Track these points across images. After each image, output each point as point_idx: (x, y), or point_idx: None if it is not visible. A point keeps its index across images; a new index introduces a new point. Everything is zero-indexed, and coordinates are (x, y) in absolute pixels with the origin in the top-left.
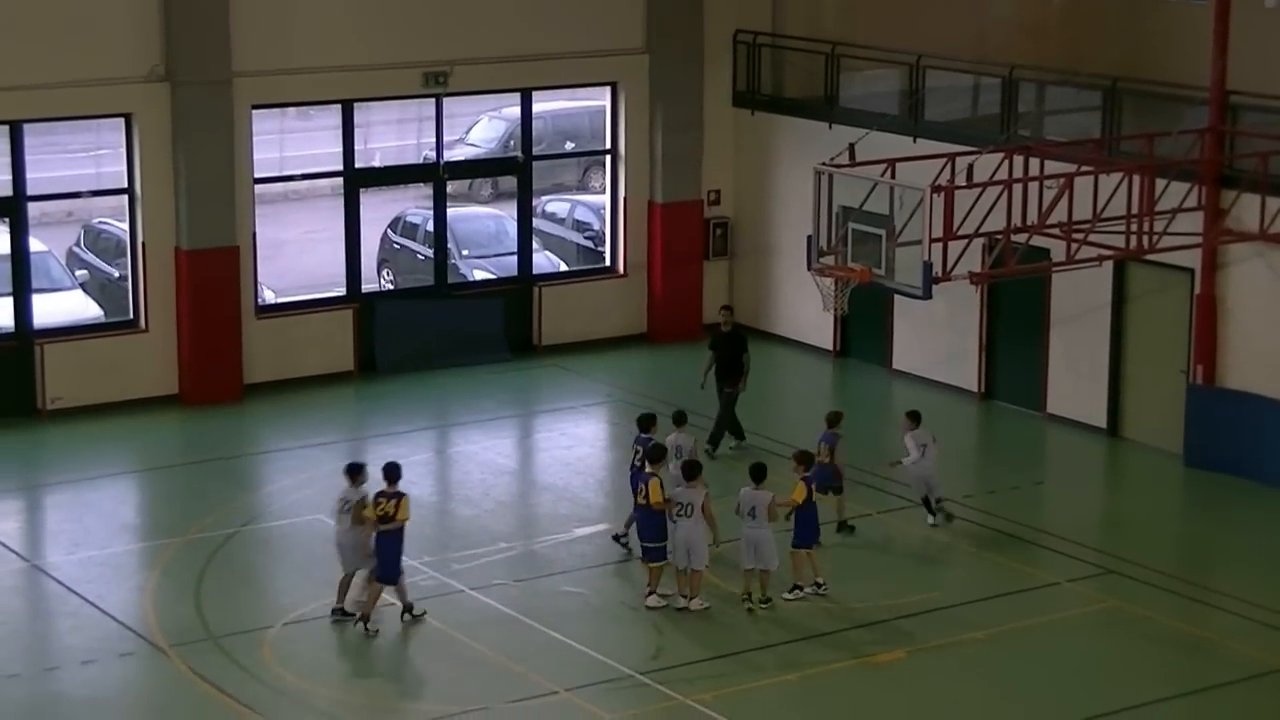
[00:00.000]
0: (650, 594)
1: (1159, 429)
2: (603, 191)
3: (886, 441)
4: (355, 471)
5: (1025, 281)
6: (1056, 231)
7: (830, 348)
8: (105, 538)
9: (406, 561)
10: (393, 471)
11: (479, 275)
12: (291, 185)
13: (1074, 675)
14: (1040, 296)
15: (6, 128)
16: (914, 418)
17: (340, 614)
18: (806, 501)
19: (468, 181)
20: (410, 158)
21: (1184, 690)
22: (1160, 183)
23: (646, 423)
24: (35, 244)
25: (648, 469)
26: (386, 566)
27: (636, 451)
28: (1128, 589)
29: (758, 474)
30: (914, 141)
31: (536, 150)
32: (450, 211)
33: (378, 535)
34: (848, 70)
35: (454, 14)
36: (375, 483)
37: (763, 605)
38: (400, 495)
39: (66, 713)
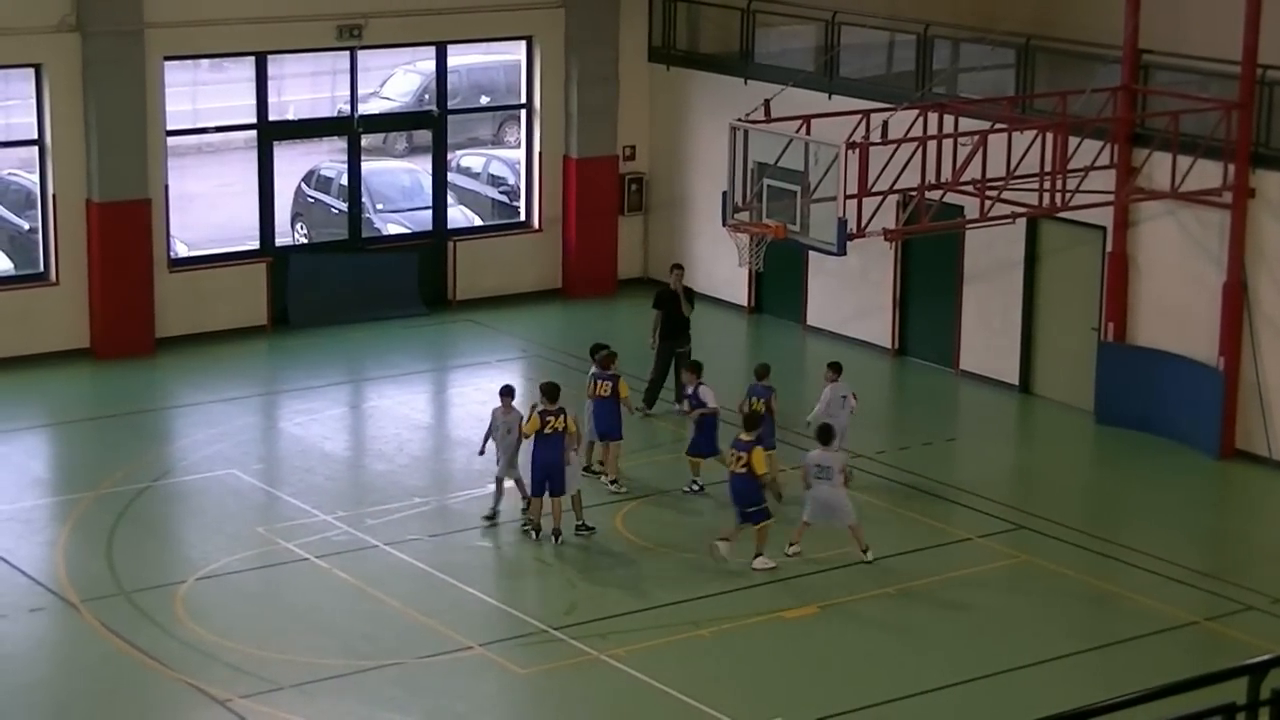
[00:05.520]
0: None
1: (1070, 386)
2: (518, 146)
3: (802, 398)
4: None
5: (939, 238)
6: (970, 189)
7: (745, 304)
8: (16, 492)
9: (320, 516)
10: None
11: (393, 229)
12: (205, 138)
13: (985, 630)
14: (954, 253)
15: None
16: (835, 369)
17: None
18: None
19: (382, 135)
20: (324, 111)
21: (1092, 644)
22: (1073, 141)
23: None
24: None
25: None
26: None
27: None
28: (1038, 544)
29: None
30: (829, 98)
31: (451, 104)
32: (365, 165)
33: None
34: (763, 26)
35: None
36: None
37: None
38: (563, 410)
39: None
